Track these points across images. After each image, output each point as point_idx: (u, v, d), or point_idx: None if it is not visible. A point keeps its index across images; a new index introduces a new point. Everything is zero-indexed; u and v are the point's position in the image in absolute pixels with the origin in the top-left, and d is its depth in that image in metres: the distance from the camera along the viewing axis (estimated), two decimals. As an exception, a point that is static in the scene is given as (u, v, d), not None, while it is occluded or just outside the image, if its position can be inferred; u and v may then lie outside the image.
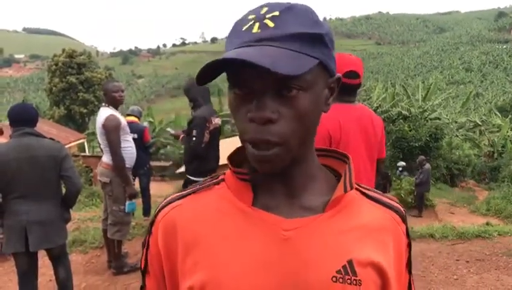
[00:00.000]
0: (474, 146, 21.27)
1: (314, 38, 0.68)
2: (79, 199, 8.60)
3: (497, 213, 12.34)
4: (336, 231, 0.74)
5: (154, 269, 0.81)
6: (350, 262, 0.73)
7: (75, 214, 6.80)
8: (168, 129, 7.48)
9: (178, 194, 0.82)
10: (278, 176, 0.75)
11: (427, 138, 14.86)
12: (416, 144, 14.70)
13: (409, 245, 0.83)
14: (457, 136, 20.27)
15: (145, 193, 6.73)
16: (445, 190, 16.60)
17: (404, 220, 0.82)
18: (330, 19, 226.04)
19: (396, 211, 0.81)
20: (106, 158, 4.21)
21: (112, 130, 4.08)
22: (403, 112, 17.17)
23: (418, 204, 12.60)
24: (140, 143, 6.10)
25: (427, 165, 12.95)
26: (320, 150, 0.83)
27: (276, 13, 0.68)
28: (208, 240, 0.74)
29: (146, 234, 0.83)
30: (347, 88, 2.56)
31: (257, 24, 0.67)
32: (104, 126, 4.08)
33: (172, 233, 0.77)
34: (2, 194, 3.19)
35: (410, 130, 15.23)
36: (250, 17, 0.69)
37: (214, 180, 0.81)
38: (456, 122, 21.59)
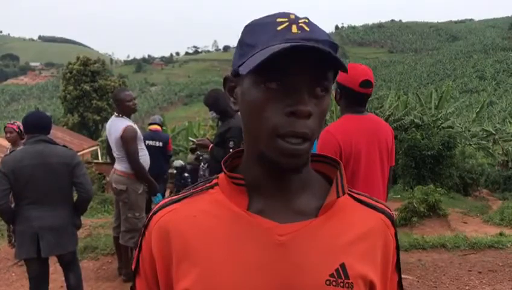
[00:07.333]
0: (487, 155, 20.99)
1: (336, 48, 0.73)
2: (91, 205, 8.67)
3: (511, 223, 12.13)
4: (328, 236, 0.76)
5: (145, 271, 0.82)
6: (343, 265, 0.74)
7: (86, 220, 6.86)
8: (191, 139, 7.48)
9: (172, 197, 0.82)
10: (276, 180, 0.76)
11: (440, 147, 14.65)
12: (429, 153, 14.49)
13: (397, 247, 0.84)
14: (470, 145, 20.01)
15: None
16: (458, 199, 16.34)
17: (393, 223, 0.84)
18: (342, 26, 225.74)
19: (387, 215, 0.83)
20: (121, 166, 4.27)
21: (130, 141, 4.18)
22: (416, 120, 17.02)
23: None
24: (164, 151, 6.14)
25: None
26: (312, 155, 0.83)
27: (306, 20, 0.72)
28: (202, 245, 0.75)
29: (139, 235, 0.83)
30: (360, 97, 2.55)
31: (294, 26, 0.70)
32: (122, 137, 4.16)
33: (167, 238, 0.77)
34: (16, 200, 3.25)
35: (422, 139, 15.03)
36: (280, 20, 0.71)
37: (208, 184, 0.81)
38: (469, 131, 21.33)
